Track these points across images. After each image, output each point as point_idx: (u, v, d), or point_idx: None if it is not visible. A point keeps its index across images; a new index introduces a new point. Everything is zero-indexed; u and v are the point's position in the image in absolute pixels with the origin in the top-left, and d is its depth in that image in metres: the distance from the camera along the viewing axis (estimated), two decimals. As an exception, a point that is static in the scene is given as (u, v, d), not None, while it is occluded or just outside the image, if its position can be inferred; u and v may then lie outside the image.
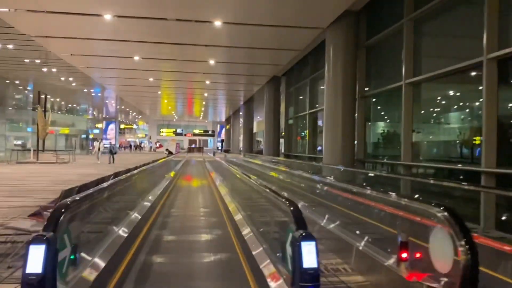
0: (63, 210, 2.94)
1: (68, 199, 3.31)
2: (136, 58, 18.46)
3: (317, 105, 18.56)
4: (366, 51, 13.60)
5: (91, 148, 29.05)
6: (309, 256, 2.68)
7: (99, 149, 25.18)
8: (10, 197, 9.88)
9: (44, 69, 23.74)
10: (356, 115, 13.35)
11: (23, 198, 9.54)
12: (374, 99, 13.75)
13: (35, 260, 2.50)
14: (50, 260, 2.54)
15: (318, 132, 18.98)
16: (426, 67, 10.41)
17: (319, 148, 18.74)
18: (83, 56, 18.83)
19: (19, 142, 33.58)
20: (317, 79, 18.54)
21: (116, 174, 8.07)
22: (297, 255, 2.70)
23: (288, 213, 3.21)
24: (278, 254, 3.92)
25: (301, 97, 21.81)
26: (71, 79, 27.41)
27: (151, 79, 24.77)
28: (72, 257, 3.32)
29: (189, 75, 23.40)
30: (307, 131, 19.91)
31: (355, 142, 13.38)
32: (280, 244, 3.57)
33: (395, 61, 11.81)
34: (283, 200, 3.49)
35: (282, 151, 24.82)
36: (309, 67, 19.24)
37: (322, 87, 18.24)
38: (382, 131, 13.67)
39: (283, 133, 24.96)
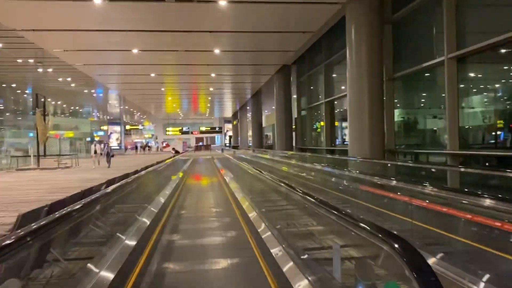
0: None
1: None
2: (135, 51, 17.00)
3: (334, 93, 16.94)
4: (392, 27, 11.97)
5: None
6: None
7: (95, 152, 23.08)
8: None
9: (40, 70, 22.36)
10: (384, 99, 11.73)
11: (4, 213, 8.14)
12: (404, 81, 12.09)
13: None
14: None
15: (338, 122, 17.39)
16: (472, 39, 8.76)
17: (338, 140, 17.18)
18: (78, 51, 17.35)
19: (18, 148, 32.34)
20: (332, 64, 16.91)
21: (110, 182, 6.63)
22: None
23: (399, 261, 1.71)
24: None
25: (314, 86, 20.18)
26: (69, 79, 26.02)
27: (152, 75, 23.29)
28: None
29: (192, 68, 21.90)
30: (323, 122, 18.30)
31: (385, 130, 11.80)
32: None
33: (431, 35, 10.21)
34: (382, 236, 1.88)
35: (294, 145, 23.25)
36: (324, 52, 17.61)
37: (337, 74, 16.67)
38: (413, 118, 12.05)
39: (294, 126, 23.37)
